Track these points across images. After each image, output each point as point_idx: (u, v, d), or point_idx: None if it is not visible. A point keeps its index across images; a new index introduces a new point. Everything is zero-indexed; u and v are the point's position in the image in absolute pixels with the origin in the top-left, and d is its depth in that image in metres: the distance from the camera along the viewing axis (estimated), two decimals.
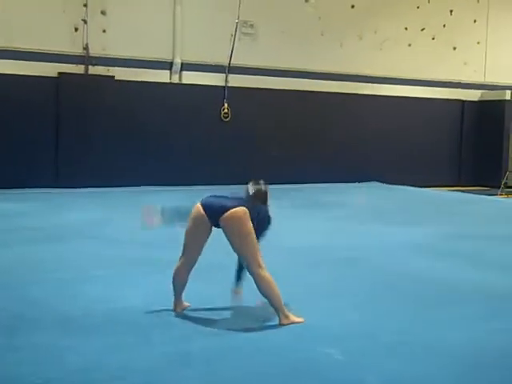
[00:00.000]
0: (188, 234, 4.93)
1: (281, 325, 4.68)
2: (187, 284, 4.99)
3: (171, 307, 5.02)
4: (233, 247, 4.79)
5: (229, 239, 4.77)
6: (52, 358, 3.93)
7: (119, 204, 11.43)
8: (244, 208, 4.73)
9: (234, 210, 4.70)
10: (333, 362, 4.02)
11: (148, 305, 5.10)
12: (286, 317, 4.72)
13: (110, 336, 4.37)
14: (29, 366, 3.81)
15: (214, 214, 4.75)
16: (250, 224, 4.72)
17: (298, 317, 4.78)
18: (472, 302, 5.52)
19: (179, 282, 4.97)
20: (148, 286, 5.68)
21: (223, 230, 4.79)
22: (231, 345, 4.27)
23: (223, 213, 4.70)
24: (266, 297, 4.75)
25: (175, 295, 5.00)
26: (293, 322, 4.71)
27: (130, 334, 4.41)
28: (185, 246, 4.96)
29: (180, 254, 4.98)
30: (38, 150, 13.13)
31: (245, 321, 4.79)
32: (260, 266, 4.73)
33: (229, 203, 4.76)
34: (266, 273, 4.75)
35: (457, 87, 17.97)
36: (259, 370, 3.87)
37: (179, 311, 4.96)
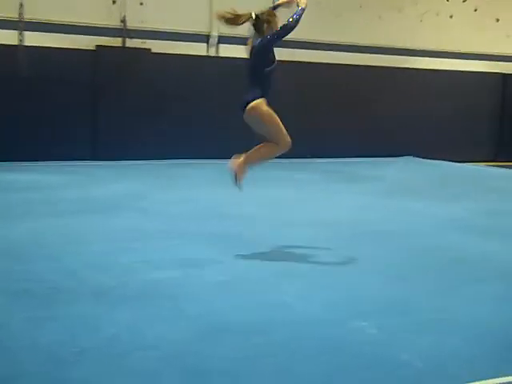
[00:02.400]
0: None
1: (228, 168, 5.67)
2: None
3: (204, 279, 5.06)
4: (261, 132, 5.70)
5: (255, 127, 5.65)
6: (88, 328, 3.99)
7: (156, 177, 11.51)
8: (259, 100, 5.62)
9: (251, 104, 5.62)
10: (366, 336, 4.01)
11: (183, 277, 5.14)
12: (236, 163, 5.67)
13: (145, 307, 4.41)
14: (66, 335, 3.87)
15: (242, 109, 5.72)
16: (266, 108, 5.65)
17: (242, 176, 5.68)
18: (509, 280, 5.43)
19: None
20: (183, 259, 5.72)
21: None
22: (264, 318, 4.27)
23: (245, 108, 5.65)
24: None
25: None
26: (235, 171, 5.68)
27: (165, 306, 4.45)
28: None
29: None
30: (76, 123, 13.26)
31: (277, 294, 4.79)
32: (287, 136, 5.74)
33: (249, 97, 5.67)
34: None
35: (498, 60, 17.56)
36: (291, 343, 3.87)
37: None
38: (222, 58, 14.61)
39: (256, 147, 5.70)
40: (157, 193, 9.53)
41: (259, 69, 5.74)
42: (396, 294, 4.88)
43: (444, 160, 15.46)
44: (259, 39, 5.76)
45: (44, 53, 12.79)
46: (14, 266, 5.35)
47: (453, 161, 15.46)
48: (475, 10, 17.23)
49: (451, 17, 16.97)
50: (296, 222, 7.42)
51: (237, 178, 5.62)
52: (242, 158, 5.62)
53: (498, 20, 17.52)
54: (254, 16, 5.77)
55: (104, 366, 3.48)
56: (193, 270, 5.37)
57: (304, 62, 15.13)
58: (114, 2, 13.56)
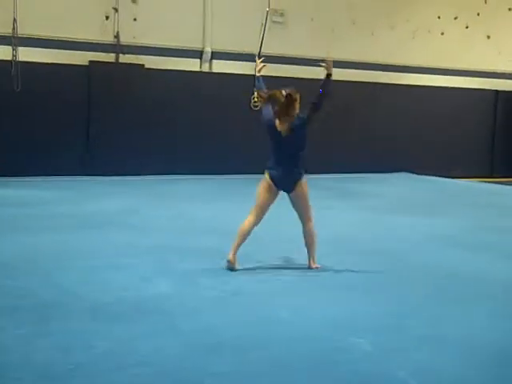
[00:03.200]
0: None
1: (310, 268, 5.98)
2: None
3: (199, 295, 5.02)
4: (296, 206, 6.08)
5: (295, 202, 6.04)
6: (81, 344, 3.95)
7: (149, 192, 11.47)
8: (305, 178, 6.02)
9: (302, 181, 6.01)
10: (362, 353, 3.98)
11: (177, 293, 5.11)
12: (314, 263, 6.03)
13: (139, 323, 4.38)
14: (60, 351, 3.84)
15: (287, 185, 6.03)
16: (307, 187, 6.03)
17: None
18: (501, 297, 5.43)
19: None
20: (177, 274, 5.68)
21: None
22: (260, 334, 4.25)
23: (294, 184, 5.96)
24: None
25: (235, 243, 5.80)
26: (317, 268, 5.99)
27: (159, 322, 4.42)
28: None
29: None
30: (69, 138, 13.23)
31: (273, 310, 4.76)
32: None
33: (295, 175, 6.02)
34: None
35: (490, 77, 17.68)
36: (287, 359, 3.84)
37: (232, 264, 5.76)
38: (215, 73, 14.64)
39: (311, 246, 6.09)
40: (151, 208, 9.50)
41: (301, 147, 5.93)
42: (390, 311, 4.87)
43: (438, 176, 15.49)
44: (297, 118, 5.81)
45: (37, 68, 12.77)
46: (6, 281, 5.31)
47: (446, 177, 15.50)
48: (466, 27, 17.36)
49: (442, 34, 17.09)
50: (290, 239, 7.37)
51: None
52: (312, 261, 6.08)
53: (488, 37, 17.66)
54: (284, 94, 5.81)
55: (97, 383, 3.44)
56: (188, 286, 5.34)
57: (297, 78, 15.15)
58: (107, 18, 13.59)
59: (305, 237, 6.06)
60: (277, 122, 5.81)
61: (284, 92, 5.80)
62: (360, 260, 6.57)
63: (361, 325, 4.50)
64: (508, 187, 14.40)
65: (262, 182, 5.93)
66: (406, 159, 16.44)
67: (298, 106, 5.83)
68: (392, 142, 16.38)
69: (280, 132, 5.79)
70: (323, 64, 6.05)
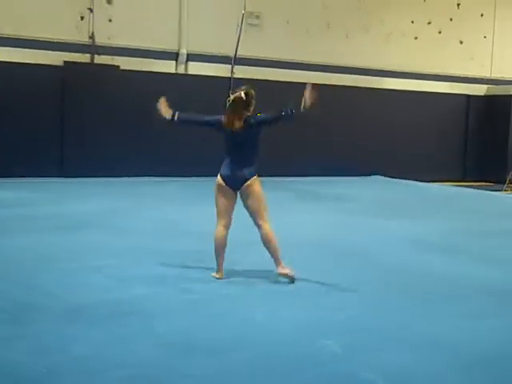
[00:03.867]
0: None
1: (280, 274, 5.66)
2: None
3: (174, 297, 5.05)
4: (248, 205, 5.77)
5: (246, 200, 5.75)
6: (57, 347, 3.96)
7: (124, 194, 11.45)
8: (256, 177, 5.74)
9: (251, 179, 5.73)
10: (330, 355, 4.04)
11: (154, 295, 5.12)
12: (283, 268, 5.67)
13: (115, 326, 4.40)
14: (34, 354, 3.84)
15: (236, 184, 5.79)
16: (260, 186, 5.77)
17: (292, 270, 5.68)
18: (473, 298, 5.53)
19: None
20: (154, 277, 5.69)
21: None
22: (233, 336, 4.29)
23: (243, 183, 5.73)
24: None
25: (217, 260, 5.73)
26: (287, 274, 5.65)
27: (135, 324, 4.44)
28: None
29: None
30: (44, 139, 13.14)
31: (247, 313, 4.81)
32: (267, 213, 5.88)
33: (246, 173, 5.75)
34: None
35: (463, 82, 17.92)
36: (260, 362, 3.89)
37: (220, 277, 5.68)
38: (190, 75, 14.65)
39: (270, 249, 5.78)
40: (128, 210, 9.48)
41: (255, 146, 5.81)
42: (360, 313, 4.94)
43: (410, 179, 15.65)
44: (252, 117, 5.72)
45: (11, 68, 12.67)
46: None
47: (419, 180, 15.66)
48: (439, 32, 17.57)
49: (416, 38, 17.28)
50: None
51: (291, 276, 5.72)
52: (281, 264, 5.73)
53: (461, 42, 17.90)
54: (243, 95, 5.76)
55: None
56: (164, 288, 5.36)
57: (273, 81, 15.23)
58: (82, 18, 13.52)
59: (262, 241, 5.77)
60: (226, 118, 5.73)
61: (242, 91, 5.79)
62: (333, 262, 6.64)
63: (331, 327, 4.56)
64: (480, 191, 14.61)
65: (215, 187, 5.79)
66: (379, 162, 16.57)
67: (253, 103, 5.82)
68: (364, 146, 16.50)
69: (230, 129, 5.70)
70: (307, 95, 5.90)
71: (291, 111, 5.65)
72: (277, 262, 5.73)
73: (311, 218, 9.54)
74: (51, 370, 3.61)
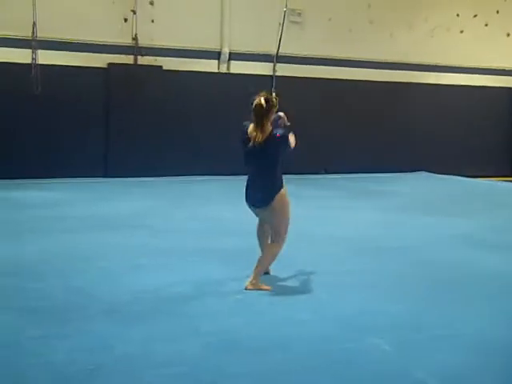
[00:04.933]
0: None
1: (247, 289, 5.20)
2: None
3: (218, 297, 5.04)
4: (269, 222, 5.49)
5: (269, 216, 5.43)
6: (100, 345, 3.98)
7: (167, 194, 11.51)
8: (283, 189, 5.38)
9: (280, 192, 5.37)
10: (380, 353, 3.97)
11: (195, 294, 5.12)
12: (255, 284, 5.24)
13: (158, 324, 4.40)
14: (80, 352, 3.87)
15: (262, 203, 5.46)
16: (288, 198, 5.43)
17: (267, 285, 5.29)
18: None
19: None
20: (195, 276, 5.69)
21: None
22: (278, 335, 4.25)
23: (271, 200, 5.36)
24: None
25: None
26: (260, 289, 5.20)
27: (177, 323, 4.43)
28: None
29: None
30: (89, 140, 13.31)
31: (292, 311, 4.76)
32: (287, 232, 5.48)
33: (273, 190, 5.40)
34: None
35: (510, 75, 17.51)
36: (306, 360, 3.84)
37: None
38: (232, 74, 14.66)
39: (260, 259, 5.41)
40: (167, 210, 9.53)
41: (278, 158, 5.30)
42: (407, 310, 4.85)
43: (457, 175, 15.39)
44: (277, 131, 5.27)
45: (57, 71, 12.86)
46: (25, 283, 5.35)
47: (467, 176, 15.38)
48: (486, 25, 17.21)
49: (462, 32, 16.96)
50: (308, 239, 7.39)
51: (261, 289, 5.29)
52: (253, 276, 5.28)
53: (508, 35, 17.50)
54: (263, 102, 5.22)
55: None
56: (206, 287, 5.34)
57: (316, 78, 15.15)
58: (125, 20, 13.66)
59: (264, 251, 5.52)
60: (252, 129, 5.28)
61: (262, 97, 5.27)
62: (377, 259, 6.55)
63: (378, 324, 4.49)
64: None
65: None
66: (426, 158, 16.35)
67: (274, 110, 5.33)
68: (411, 142, 16.30)
69: (253, 141, 5.24)
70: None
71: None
72: (255, 275, 5.30)
73: (356, 214, 9.45)
74: (96, 368, 3.63)
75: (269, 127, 5.25)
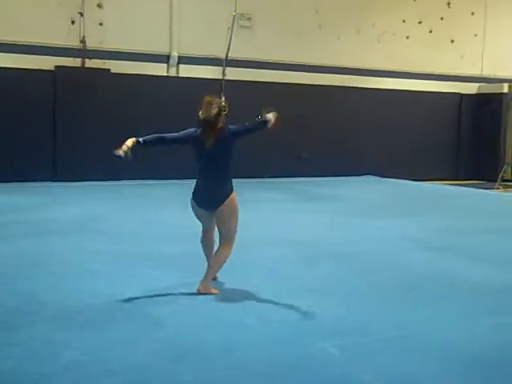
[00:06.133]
0: None
1: (199, 292, 5.25)
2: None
3: (167, 303, 5.03)
4: (221, 225, 5.44)
5: (220, 220, 5.41)
6: (48, 353, 3.93)
7: (116, 198, 11.42)
8: (233, 193, 5.39)
9: (231, 196, 5.38)
10: (327, 357, 4.02)
11: (145, 300, 5.10)
12: (207, 287, 5.30)
13: (107, 331, 4.36)
14: (25, 360, 3.81)
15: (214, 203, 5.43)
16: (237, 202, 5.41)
17: (215, 289, 5.35)
18: (468, 297, 5.51)
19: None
20: (146, 282, 5.66)
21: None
22: (226, 340, 4.26)
23: (222, 201, 5.38)
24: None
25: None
26: (210, 292, 5.27)
27: (127, 330, 4.41)
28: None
29: None
30: (36, 143, 13.11)
31: (239, 316, 4.79)
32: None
33: (225, 190, 5.41)
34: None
35: (454, 80, 17.94)
36: (254, 365, 3.87)
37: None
38: (182, 78, 14.63)
39: (210, 263, 5.44)
40: (119, 214, 9.45)
41: (229, 159, 5.33)
42: (355, 314, 4.92)
43: (404, 179, 15.67)
44: (227, 129, 5.28)
45: (2, 73, 12.64)
46: None
47: (413, 179, 15.68)
48: (430, 32, 17.58)
49: (407, 37, 17.30)
50: (258, 242, 7.43)
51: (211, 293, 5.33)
52: (205, 280, 5.33)
53: (452, 41, 17.92)
54: (213, 115, 5.24)
55: None
56: (156, 293, 5.31)
57: (266, 82, 15.22)
58: (73, 23, 13.49)
59: (215, 255, 5.46)
60: (201, 133, 5.31)
61: (213, 108, 5.26)
62: (326, 262, 6.62)
63: (325, 329, 4.53)
64: (472, 189, 14.63)
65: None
66: (372, 162, 16.61)
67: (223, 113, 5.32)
68: (357, 145, 16.53)
69: (204, 144, 5.28)
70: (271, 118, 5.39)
71: (263, 122, 5.31)
72: (207, 279, 5.35)
73: (303, 217, 9.53)
74: (43, 377, 3.59)
75: (220, 128, 5.26)
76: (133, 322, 4.57)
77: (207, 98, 5.33)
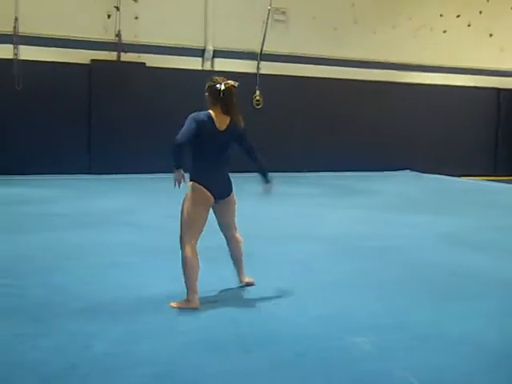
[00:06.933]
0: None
1: (245, 283, 5.26)
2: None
3: (199, 294, 5.00)
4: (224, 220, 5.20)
5: (224, 214, 5.16)
6: (78, 344, 3.92)
7: (149, 191, 11.46)
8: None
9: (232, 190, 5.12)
10: (361, 352, 3.96)
11: (174, 292, 5.07)
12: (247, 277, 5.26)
13: (136, 323, 4.35)
14: (56, 351, 3.81)
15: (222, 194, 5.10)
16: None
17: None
18: (504, 295, 5.39)
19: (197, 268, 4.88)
20: (175, 274, 5.64)
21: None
22: (258, 333, 4.22)
23: (228, 193, 5.11)
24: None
25: (194, 287, 4.77)
26: (252, 283, 5.28)
27: (156, 322, 4.39)
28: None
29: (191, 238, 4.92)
30: (72, 137, 13.23)
31: (273, 309, 4.74)
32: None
33: (230, 183, 5.13)
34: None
35: (493, 75, 17.62)
36: (287, 359, 3.82)
37: (198, 306, 4.72)
38: (216, 71, 14.57)
39: (240, 258, 5.27)
40: (152, 207, 9.47)
41: (229, 153, 5.04)
42: (390, 310, 4.84)
43: (441, 174, 15.46)
44: (240, 126, 5.00)
45: (39, 67, 12.77)
46: (5, 281, 5.28)
47: (450, 175, 15.46)
48: (469, 25, 17.30)
49: (445, 32, 17.04)
50: (292, 237, 7.38)
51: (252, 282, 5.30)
52: (244, 275, 5.29)
53: (491, 35, 17.60)
54: (235, 84, 5.00)
55: (96, 383, 3.42)
56: (183, 285, 5.28)
57: (300, 76, 15.15)
58: (109, 17, 13.58)
59: (234, 249, 5.22)
60: (215, 115, 4.93)
61: (231, 81, 5.00)
62: (359, 257, 6.54)
63: (360, 324, 4.47)
64: (510, 185, 14.36)
65: (192, 197, 4.95)
66: (410, 157, 16.42)
67: None
68: (393, 140, 16.36)
69: (218, 127, 4.92)
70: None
71: (265, 172, 5.11)
72: (243, 272, 5.29)
73: (340, 212, 9.45)
74: (73, 366, 3.58)
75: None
76: (162, 314, 4.54)
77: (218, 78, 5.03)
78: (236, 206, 5.14)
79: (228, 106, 4.95)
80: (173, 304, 4.72)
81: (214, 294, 5.09)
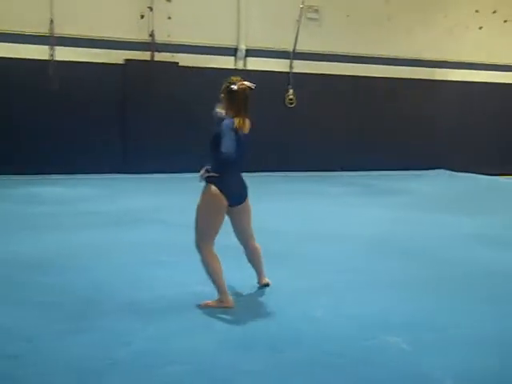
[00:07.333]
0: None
1: (261, 284, 5.20)
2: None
3: (231, 295, 5.00)
4: (240, 225, 5.09)
5: (241, 218, 5.06)
6: (119, 341, 3.97)
7: (185, 189, 11.48)
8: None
9: None
10: (397, 351, 3.93)
11: (212, 290, 5.09)
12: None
13: (176, 321, 4.39)
14: (97, 347, 3.87)
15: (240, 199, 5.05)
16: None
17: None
18: None
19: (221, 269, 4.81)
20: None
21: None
22: (293, 332, 4.22)
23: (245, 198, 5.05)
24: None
25: (223, 289, 4.74)
26: (268, 283, 5.21)
27: (194, 320, 4.42)
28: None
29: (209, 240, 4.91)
30: (106, 137, 13.36)
31: (307, 309, 4.73)
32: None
33: (246, 187, 5.10)
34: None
35: None
36: (321, 358, 3.81)
37: (231, 305, 4.71)
38: (249, 70, 14.62)
39: (260, 262, 5.21)
40: (187, 206, 9.49)
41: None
42: (423, 309, 4.80)
43: (477, 173, 15.25)
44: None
45: (74, 67, 12.92)
46: (44, 278, 5.37)
47: (486, 174, 15.24)
48: (505, 21, 17.05)
49: (480, 28, 16.82)
50: (325, 236, 7.36)
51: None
52: (263, 277, 5.25)
53: None
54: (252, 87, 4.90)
55: (135, 380, 3.47)
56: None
57: (333, 75, 15.09)
58: (142, 17, 13.68)
59: (253, 255, 5.15)
60: (239, 119, 4.82)
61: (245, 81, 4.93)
62: (392, 257, 6.49)
63: (394, 323, 4.44)
64: None
65: (210, 202, 4.89)
66: (443, 156, 16.25)
67: None
68: (429, 139, 16.21)
69: (243, 131, 4.83)
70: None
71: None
72: (263, 274, 5.24)
73: (372, 212, 9.39)
74: (112, 364, 3.63)
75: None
76: (199, 312, 4.57)
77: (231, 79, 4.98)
78: (251, 211, 5.03)
79: (240, 107, 4.84)
80: (206, 303, 4.72)
81: (246, 292, 5.10)
